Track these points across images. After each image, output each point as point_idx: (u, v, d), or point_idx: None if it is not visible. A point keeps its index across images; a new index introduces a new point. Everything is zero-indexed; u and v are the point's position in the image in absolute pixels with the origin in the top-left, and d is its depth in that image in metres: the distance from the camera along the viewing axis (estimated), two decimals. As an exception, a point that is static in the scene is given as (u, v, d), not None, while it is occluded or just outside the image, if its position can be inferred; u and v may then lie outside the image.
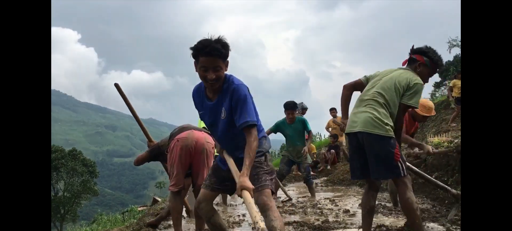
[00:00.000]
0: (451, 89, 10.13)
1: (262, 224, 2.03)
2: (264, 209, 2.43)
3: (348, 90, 3.36)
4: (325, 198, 6.35)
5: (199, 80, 2.57)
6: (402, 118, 3.13)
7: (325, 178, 9.73)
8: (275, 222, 2.36)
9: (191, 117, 4.79)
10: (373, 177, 3.08)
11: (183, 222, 4.41)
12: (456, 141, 8.17)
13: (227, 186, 2.74)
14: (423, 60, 3.20)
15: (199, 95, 2.67)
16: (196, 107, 2.75)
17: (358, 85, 3.34)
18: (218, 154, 2.85)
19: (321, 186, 8.73)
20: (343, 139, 10.21)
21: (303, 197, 6.67)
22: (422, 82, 3.07)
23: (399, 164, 2.94)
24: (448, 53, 23.22)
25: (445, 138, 9.56)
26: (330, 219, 4.39)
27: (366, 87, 3.19)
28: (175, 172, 3.46)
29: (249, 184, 2.29)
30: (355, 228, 3.89)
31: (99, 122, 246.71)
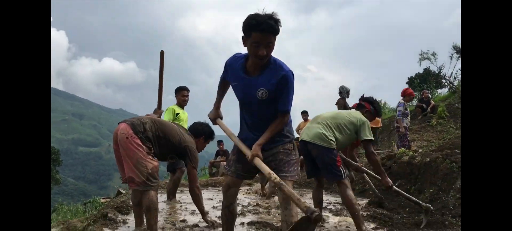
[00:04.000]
0: None
1: (277, 177, 2.29)
2: (287, 201, 2.46)
3: None
4: (290, 199, 6.35)
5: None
6: (370, 151, 3.93)
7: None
8: (295, 218, 2.43)
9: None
10: (323, 176, 4.02)
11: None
12: (420, 150, 8.38)
13: (252, 169, 2.74)
14: (369, 108, 4.21)
15: (236, 66, 2.63)
16: (228, 77, 2.73)
17: None
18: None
19: (288, 187, 8.75)
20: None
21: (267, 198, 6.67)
22: (367, 120, 3.98)
23: (341, 169, 3.74)
24: (419, 66, 23.87)
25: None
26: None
27: (323, 113, 4.10)
28: None
29: (261, 154, 2.52)
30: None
31: (66, 109, 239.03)
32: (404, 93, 8.35)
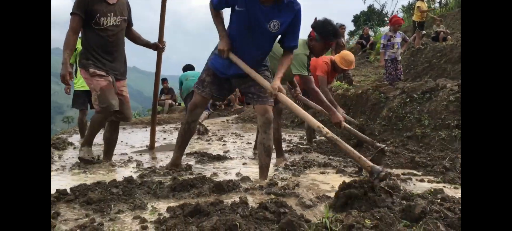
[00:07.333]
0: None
1: (329, 132, 2.30)
2: (268, 124, 2.68)
3: None
4: (231, 133, 6.56)
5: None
6: (311, 86, 3.69)
7: (236, 115, 9.99)
8: (271, 143, 2.77)
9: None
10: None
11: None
12: (358, 84, 8.82)
13: (225, 92, 2.99)
14: (314, 35, 3.55)
15: None
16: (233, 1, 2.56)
17: None
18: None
19: (232, 122, 8.97)
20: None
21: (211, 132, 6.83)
22: (303, 54, 3.58)
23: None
24: (363, 4, 24.42)
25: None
26: (231, 149, 4.57)
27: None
28: None
29: (282, 87, 2.56)
30: (253, 156, 4.08)
31: None
32: (389, 23, 8.22)
